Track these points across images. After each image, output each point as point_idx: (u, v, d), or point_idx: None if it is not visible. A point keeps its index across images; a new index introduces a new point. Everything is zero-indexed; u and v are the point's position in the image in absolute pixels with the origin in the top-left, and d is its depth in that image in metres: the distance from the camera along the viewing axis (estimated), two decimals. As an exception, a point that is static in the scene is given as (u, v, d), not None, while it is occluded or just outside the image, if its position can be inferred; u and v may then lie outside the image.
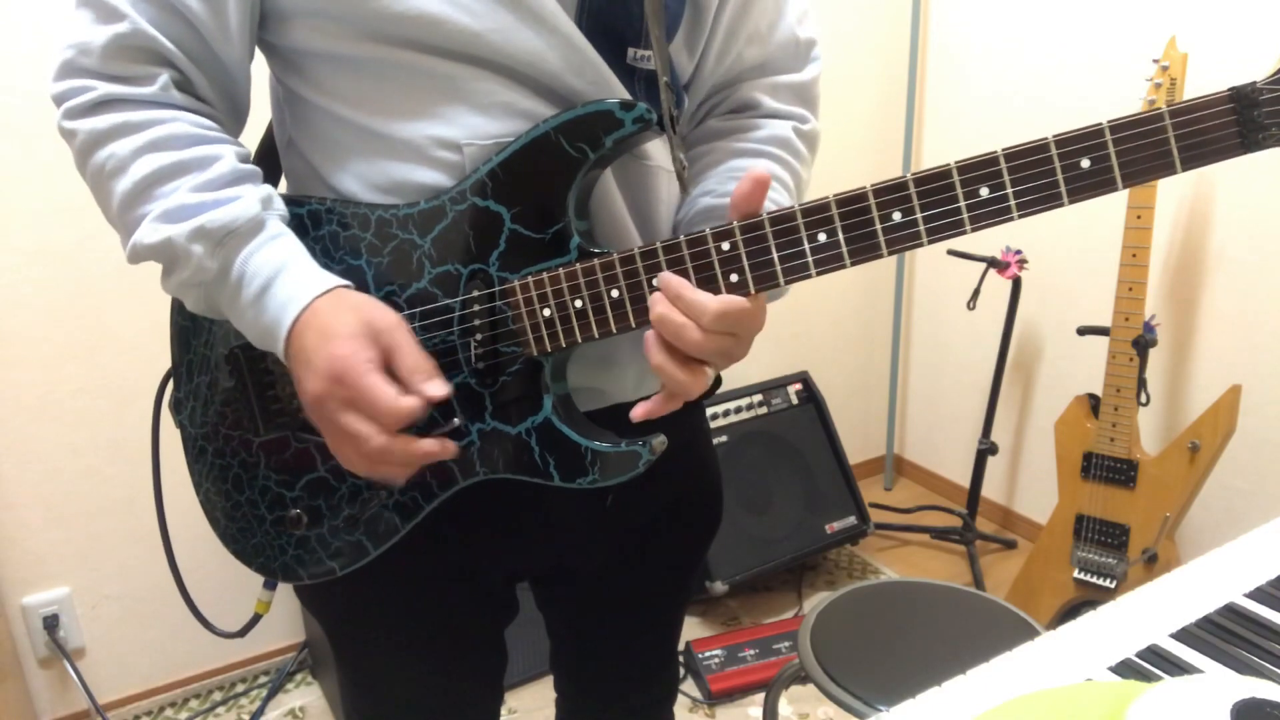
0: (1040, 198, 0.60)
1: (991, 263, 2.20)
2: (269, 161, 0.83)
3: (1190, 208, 1.96)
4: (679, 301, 0.65)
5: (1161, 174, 0.58)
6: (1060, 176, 0.60)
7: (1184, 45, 1.70)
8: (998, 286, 2.26)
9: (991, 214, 0.61)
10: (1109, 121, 0.58)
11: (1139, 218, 1.75)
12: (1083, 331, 2.02)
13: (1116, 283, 1.79)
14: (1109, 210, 2.04)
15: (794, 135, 0.84)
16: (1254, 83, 0.56)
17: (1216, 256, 1.94)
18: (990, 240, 2.24)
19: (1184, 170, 0.58)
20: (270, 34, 0.73)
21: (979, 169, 0.60)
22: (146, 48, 0.68)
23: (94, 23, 0.67)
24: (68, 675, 1.86)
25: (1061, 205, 0.60)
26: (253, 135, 0.82)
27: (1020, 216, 0.61)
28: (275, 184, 0.78)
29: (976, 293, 2.22)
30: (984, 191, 0.61)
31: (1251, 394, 1.85)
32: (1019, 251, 2.16)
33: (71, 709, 1.91)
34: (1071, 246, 2.22)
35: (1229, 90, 0.56)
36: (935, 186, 0.61)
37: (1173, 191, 1.96)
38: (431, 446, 0.69)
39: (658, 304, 0.66)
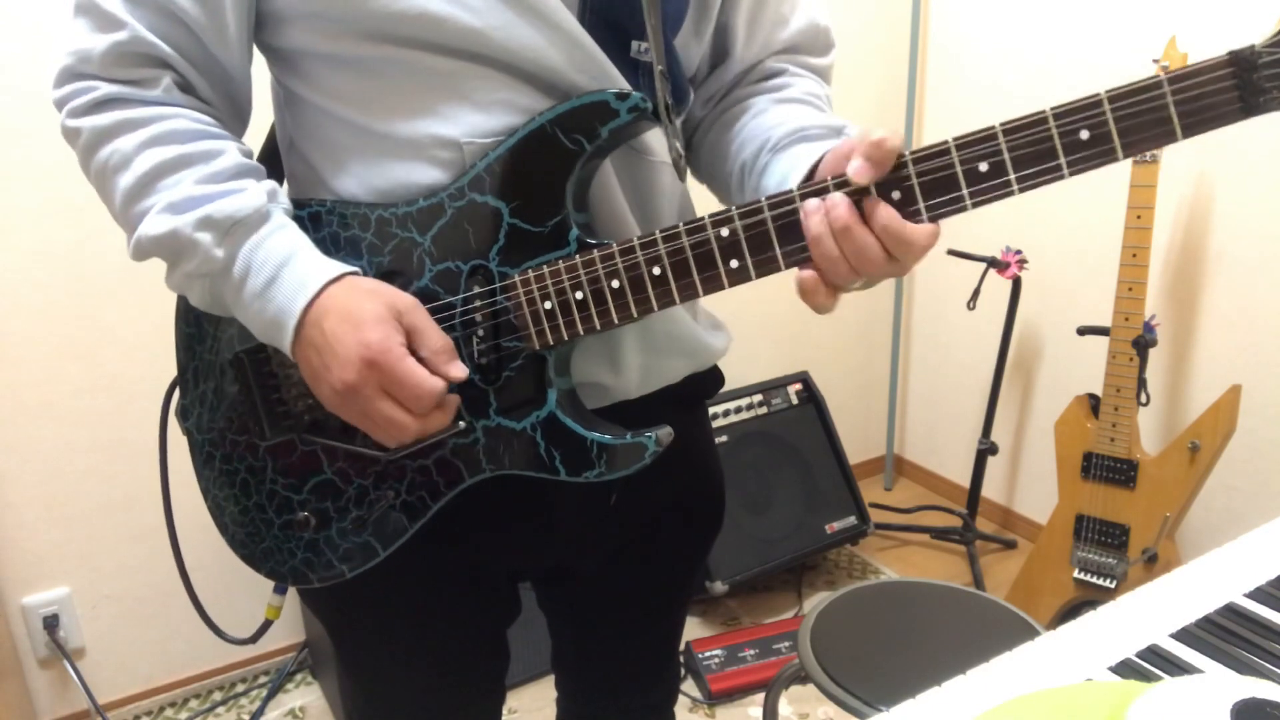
0: (1040, 170, 0.59)
1: (991, 263, 2.19)
2: (271, 165, 0.83)
3: (1190, 208, 1.96)
4: (885, 233, 0.61)
5: (1163, 142, 0.57)
6: (1059, 146, 0.59)
7: (1184, 45, 1.70)
8: (998, 286, 2.26)
9: (992, 189, 0.60)
10: (1107, 91, 0.57)
11: (1139, 218, 1.75)
12: (1083, 331, 2.02)
13: (1116, 283, 1.79)
14: (1109, 210, 2.04)
15: (822, 90, 0.84)
16: (1252, 45, 0.55)
17: (1216, 256, 1.94)
18: (990, 240, 2.24)
19: (1185, 137, 0.57)
20: (269, 36, 0.73)
21: (977, 144, 0.60)
22: (146, 53, 0.68)
23: (92, 30, 0.68)
24: (68, 675, 1.86)
25: (1062, 177, 0.59)
26: (255, 140, 0.82)
27: (1021, 190, 0.60)
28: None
29: (976, 293, 2.22)
30: (983, 166, 0.60)
31: (1251, 394, 1.85)
32: (1019, 251, 2.16)
33: (71, 709, 1.91)
34: (1071, 246, 2.22)
35: (1227, 54, 0.55)
36: (934, 164, 0.61)
37: (1173, 191, 1.96)
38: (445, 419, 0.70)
39: (840, 210, 0.61)
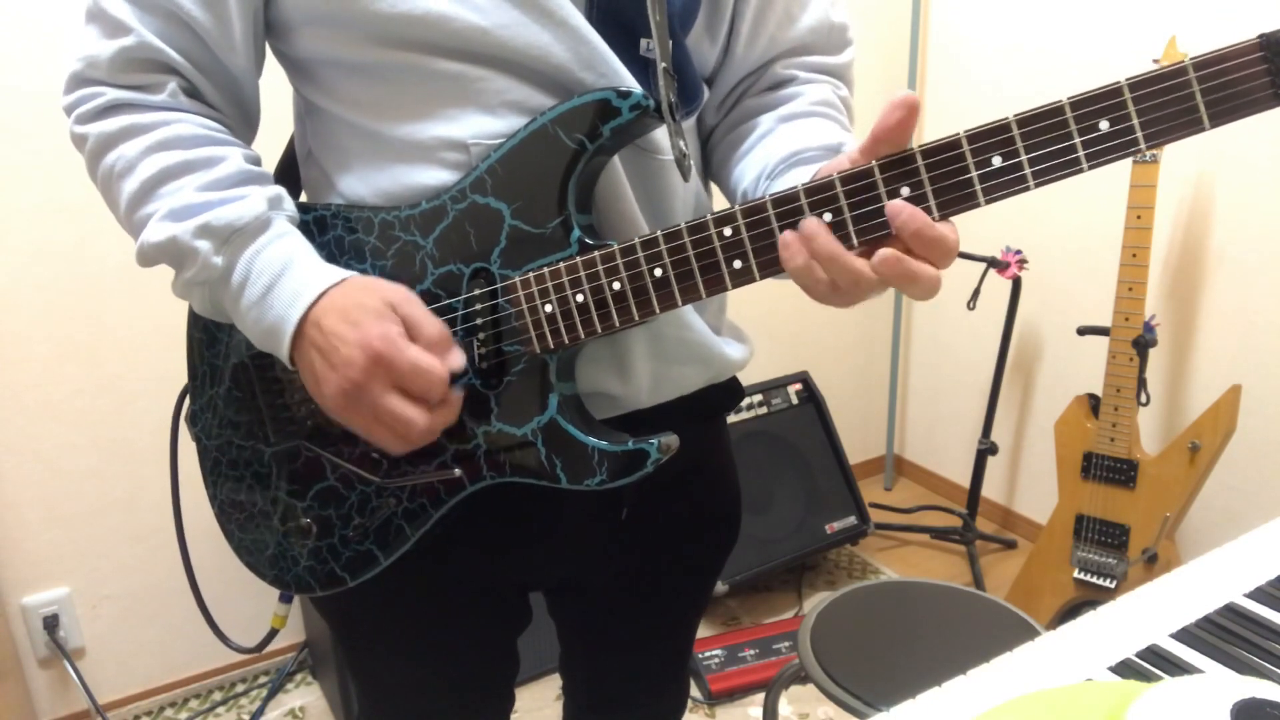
0: (1057, 164, 0.56)
1: (991, 263, 2.19)
2: (289, 176, 0.83)
3: (1190, 208, 1.96)
4: (917, 239, 0.58)
5: (1189, 131, 0.54)
6: (1077, 140, 0.56)
7: (1184, 45, 1.70)
8: (998, 286, 2.26)
9: (1006, 184, 0.57)
10: (1127, 79, 0.54)
11: (1139, 218, 1.75)
12: (1083, 331, 2.02)
13: (1116, 283, 1.79)
14: (1109, 210, 2.04)
15: (834, 96, 0.82)
16: None
17: (1216, 256, 1.94)
18: (990, 240, 2.24)
19: (1213, 126, 0.53)
20: (282, 44, 0.73)
21: (990, 137, 0.57)
22: (153, 59, 0.68)
23: (101, 37, 0.68)
24: (68, 675, 1.86)
25: (1081, 171, 0.56)
26: (273, 152, 0.82)
27: (1037, 185, 0.57)
28: (295, 198, 0.77)
29: (976, 293, 2.22)
30: (996, 160, 0.57)
31: (1251, 394, 1.85)
32: (1019, 251, 2.16)
33: (71, 709, 1.91)
34: (1071, 246, 2.22)
35: (1258, 37, 0.52)
36: (945, 158, 0.58)
37: (1173, 191, 1.96)
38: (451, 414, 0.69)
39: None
